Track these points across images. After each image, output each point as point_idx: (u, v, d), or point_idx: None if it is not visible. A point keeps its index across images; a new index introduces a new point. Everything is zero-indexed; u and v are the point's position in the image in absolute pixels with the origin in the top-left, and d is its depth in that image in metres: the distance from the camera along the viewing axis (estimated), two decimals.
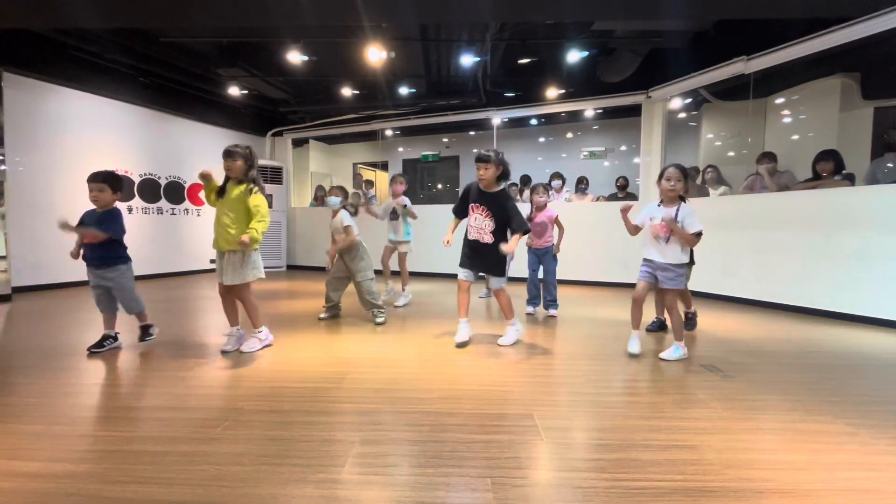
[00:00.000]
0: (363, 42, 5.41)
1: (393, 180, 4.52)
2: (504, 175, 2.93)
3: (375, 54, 5.53)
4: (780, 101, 5.72)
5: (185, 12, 3.93)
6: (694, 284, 5.02)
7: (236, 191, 2.73)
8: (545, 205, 3.94)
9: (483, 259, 2.96)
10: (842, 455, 1.60)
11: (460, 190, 3.28)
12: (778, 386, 2.30)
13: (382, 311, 3.71)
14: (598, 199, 6.65)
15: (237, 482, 1.39)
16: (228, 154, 2.75)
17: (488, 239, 2.91)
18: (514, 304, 3.04)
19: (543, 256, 3.99)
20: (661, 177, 2.75)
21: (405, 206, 4.46)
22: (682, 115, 6.79)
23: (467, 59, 6.07)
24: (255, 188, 2.75)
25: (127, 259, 2.82)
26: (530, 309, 4.08)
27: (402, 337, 3.24)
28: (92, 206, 2.76)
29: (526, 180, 7.45)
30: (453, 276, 4.97)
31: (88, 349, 2.75)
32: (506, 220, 2.89)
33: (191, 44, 5.90)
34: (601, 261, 6.02)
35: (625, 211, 2.84)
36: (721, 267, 4.88)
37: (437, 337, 3.19)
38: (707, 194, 5.31)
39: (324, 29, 5.35)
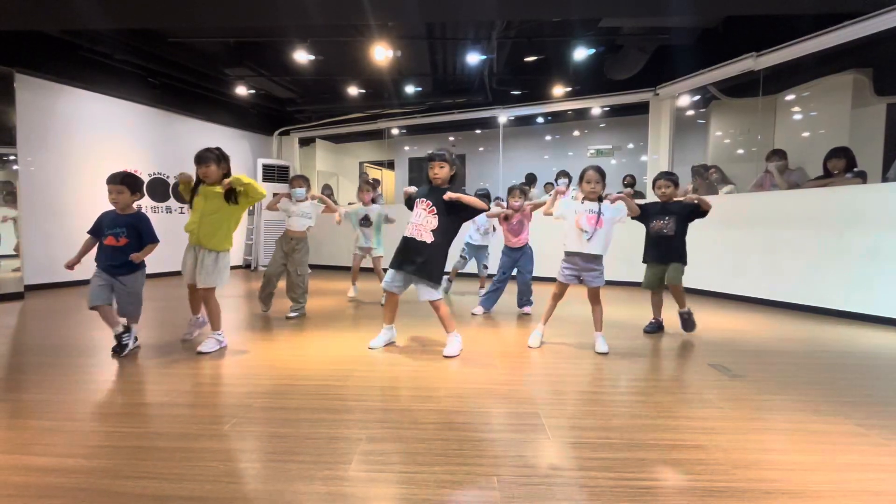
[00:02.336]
0: (369, 41, 5.42)
1: (360, 189, 4.52)
2: (455, 178, 2.81)
3: (381, 53, 5.53)
4: (790, 97, 5.64)
5: (192, 13, 3.96)
6: (702, 283, 5.01)
7: (216, 189, 2.72)
8: (521, 207, 3.90)
9: (413, 258, 2.67)
10: (852, 456, 1.58)
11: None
12: (787, 386, 2.28)
13: (301, 307, 3.79)
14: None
15: (245, 478, 1.41)
16: (201, 160, 2.71)
17: (427, 238, 2.66)
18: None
19: (520, 258, 3.94)
20: (581, 179, 2.82)
21: (386, 215, 4.49)
22: (691, 112, 6.72)
23: (473, 58, 6.05)
24: (231, 177, 2.71)
25: (144, 264, 2.78)
26: (527, 309, 3.99)
27: (406, 335, 3.25)
28: (107, 207, 2.75)
29: (531, 178, 7.42)
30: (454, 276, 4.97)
31: (113, 351, 2.63)
32: (461, 214, 2.71)
33: (198, 44, 5.95)
34: (607, 259, 5.95)
35: (560, 193, 2.99)
36: (730, 266, 4.83)
37: (442, 336, 3.19)
38: (715, 192, 5.26)
39: (330, 28, 5.37)
